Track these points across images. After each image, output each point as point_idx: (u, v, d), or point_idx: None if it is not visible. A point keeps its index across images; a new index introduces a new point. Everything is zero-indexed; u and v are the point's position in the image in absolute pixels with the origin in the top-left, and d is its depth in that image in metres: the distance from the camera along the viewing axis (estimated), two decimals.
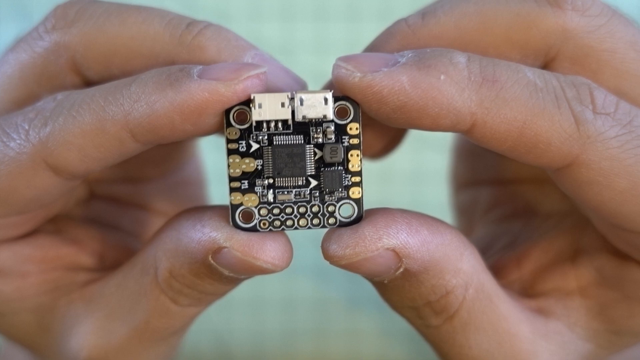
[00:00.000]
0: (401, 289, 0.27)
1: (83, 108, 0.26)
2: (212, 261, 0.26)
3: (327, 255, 0.26)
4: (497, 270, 0.31)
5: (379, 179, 0.47)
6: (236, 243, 0.26)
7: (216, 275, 0.27)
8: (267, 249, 0.26)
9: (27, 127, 0.27)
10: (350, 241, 0.26)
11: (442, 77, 0.25)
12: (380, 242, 0.26)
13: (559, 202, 0.32)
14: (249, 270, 0.26)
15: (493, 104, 0.25)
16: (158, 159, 0.34)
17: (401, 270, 0.26)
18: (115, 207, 0.34)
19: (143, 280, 0.28)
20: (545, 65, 0.28)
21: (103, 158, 0.26)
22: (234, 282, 0.28)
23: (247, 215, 0.26)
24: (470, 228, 0.35)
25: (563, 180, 0.26)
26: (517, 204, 0.33)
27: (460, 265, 0.27)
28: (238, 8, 0.46)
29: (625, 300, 0.29)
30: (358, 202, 0.26)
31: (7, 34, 0.48)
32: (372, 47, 0.28)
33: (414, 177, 0.47)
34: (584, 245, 0.30)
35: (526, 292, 0.31)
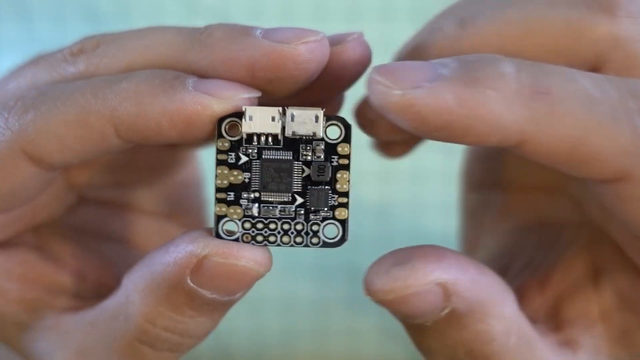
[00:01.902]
0: (443, 334, 0.26)
1: (69, 99, 0.26)
2: (191, 284, 0.25)
3: (371, 290, 0.25)
4: (520, 297, 0.30)
5: (379, 179, 0.47)
6: (215, 248, 0.25)
7: (197, 301, 0.26)
8: (247, 250, 0.25)
9: (6, 115, 0.26)
10: (401, 273, 0.25)
11: (491, 92, 0.23)
12: (432, 275, 0.25)
13: (572, 212, 0.31)
14: (232, 278, 0.25)
15: (545, 120, 0.23)
16: (153, 165, 0.33)
17: (447, 310, 0.25)
18: (106, 211, 0.33)
19: (113, 327, 0.27)
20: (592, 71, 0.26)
21: (83, 151, 0.26)
22: (215, 311, 0.27)
23: (230, 230, 0.26)
24: (477, 234, 0.34)
25: (606, 193, 0.25)
26: (530, 213, 0.32)
27: (503, 310, 0.26)
28: (238, 8, 0.46)
29: None
30: (343, 223, 0.26)
31: (7, 34, 0.48)
32: (407, 60, 0.27)
33: (414, 177, 0.47)
34: (603, 265, 0.29)
35: (552, 321, 0.30)
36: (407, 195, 0.47)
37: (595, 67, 0.26)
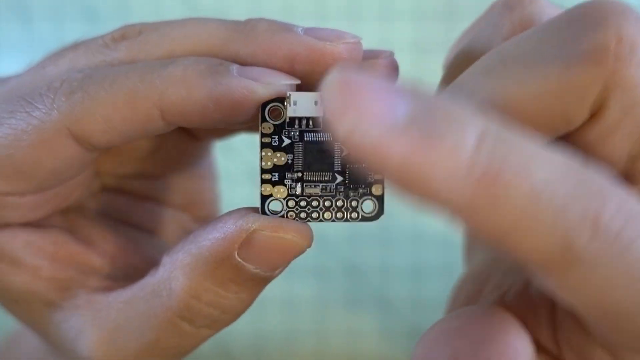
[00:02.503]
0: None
1: (117, 82, 0.27)
2: (238, 258, 0.26)
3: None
4: None
5: None
6: (264, 222, 0.26)
7: (242, 276, 0.27)
8: (293, 224, 0.27)
9: (52, 97, 0.27)
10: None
11: (438, 163, 0.21)
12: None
13: None
14: (279, 251, 0.27)
15: (482, 206, 0.21)
16: (175, 157, 0.34)
17: None
18: (128, 200, 0.34)
19: (154, 303, 0.28)
20: (596, 114, 0.24)
21: (127, 132, 0.27)
22: (256, 287, 0.28)
23: (275, 210, 0.28)
24: (472, 244, 0.34)
25: (538, 279, 0.24)
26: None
27: None
28: (238, 8, 0.46)
29: None
30: (379, 198, 0.27)
31: (7, 34, 0.48)
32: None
33: None
34: (561, 315, 0.28)
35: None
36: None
37: (597, 110, 0.24)
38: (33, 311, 0.31)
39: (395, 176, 0.21)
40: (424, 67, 0.44)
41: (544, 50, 0.24)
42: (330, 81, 0.21)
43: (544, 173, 0.22)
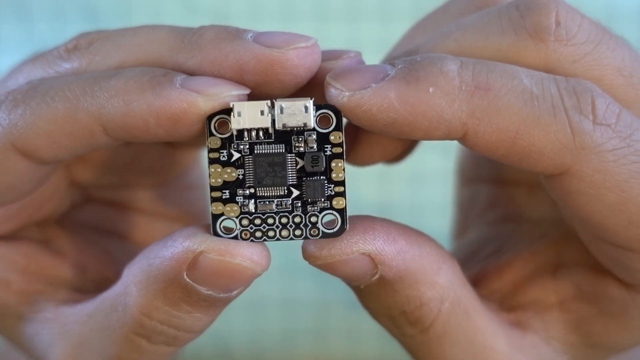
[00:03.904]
0: (377, 296, 0.27)
1: (58, 95, 0.26)
2: (187, 279, 0.25)
3: (305, 255, 0.26)
4: (479, 279, 0.31)
5: (379, 179, 0.47)
6: (211, 245, 0.25)
7: (193, 297, 0.26)
8: (244, 248, 0.25)
9: None
10: (326, 243, 0.26)
11: (431, 89, 0.24)
12: (355, 246, 0.26)
13: (549, 209, 0.32)
14: (227, 276, 0.25)
15: (484, 114, 0.25)
16: (158, 167, 0.33)
17: (377, 276, 0.26)
18: (114, 211, 0.34)
19: (111, 318, 0.28)
20: None
21: (72, 147, 0.26)
22: (211, 307, 0.27)
23: (229, 227, 0.26)
24: (465, 225, 0.35)
25: (553, 187, 0.26)
26: (511, 206, 0.33)
27: (436, 279, 0.27)
28: (238, 8, 0.46)
29: (602, 316, 0.29)
30: (341, 212, 0.26)
31: (7, 34, 0.48)
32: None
33: (414, 177, 0.47)
34: (565, 259, 0.30)
35: (506, 302, 0.31)
36: (406, 195, 0.47)
37: None
38: (6, 324, 0.31)
39: (401, 114, 0.24)
40: None
41: (496, 24, 0.27)
42: (327, 80, 0.25)
43: (531, 78, 0.25)
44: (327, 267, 0.26)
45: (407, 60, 0.25)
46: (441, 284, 0.27)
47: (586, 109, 0.25)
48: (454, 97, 0.24)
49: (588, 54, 0.26)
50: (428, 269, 0.27)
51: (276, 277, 0.45)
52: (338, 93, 0.25)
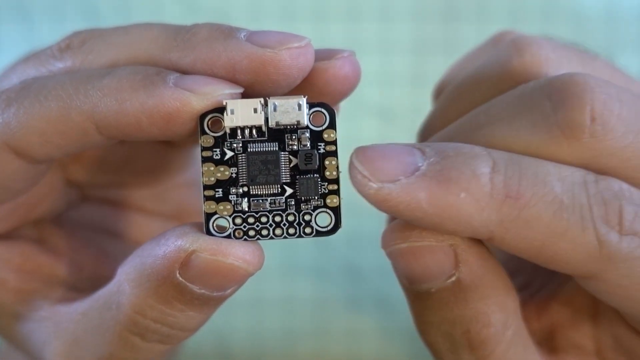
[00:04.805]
0: (444, 305, 0.26)
1: (51, 94, 0.26)
2: (180, 278, 0.25)
3: (387, 239, 0.26)
4: None
5: None
6: (203, 244, 0.25)
7: (186, 296, 0.26)
8: (236, 247, 0.25)
9: None
10: (414, 226, 0.25)
11: (463, 194, 0.24)
12: (446, 235, 0.25)
13: None
14: (219, 275, 0.25)
15: (513, 224, 0.24)
16: (155, 166, 0.33)
17: (454, 278, 0.25)
18: (110, 210, 0.34)
19: (105, 316, 0.27)
20: None
21: (65, 146, 0.26)
22: (205, 306, 0.26)
23: (222, 226, 0.26)
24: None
25: (585, 284, 0.26)
26: None
27: (506, 300, 0.26)
28: (238, 8, 0.46)
29: None
30: (335, 210, 0.26)
31: (7, 34, 0.48)
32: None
33: None
34: (603, 309, 0.30)
35: (546, 343, 0.30)
36: None
37: None
38: (2, 323, 0.31)
39: (428, 215, 0.24)
40: (423, 67, 0.44)
41: (526, 117, 0.26)
42: (352, 161, 0.25)
43: (562, 184, 0.24)
44: (411, 254, 0.25)
45: (439, 150, 0.25)
46: (508, 308, 0.26)
47: (613, 220, 0.24)
48: (484, 205, 0.24)
49: (626, 147, 0.25)
50: (501, 287, 0.26)
51: (276, 277, 0.45)
52: (365, 183, 0.24)
